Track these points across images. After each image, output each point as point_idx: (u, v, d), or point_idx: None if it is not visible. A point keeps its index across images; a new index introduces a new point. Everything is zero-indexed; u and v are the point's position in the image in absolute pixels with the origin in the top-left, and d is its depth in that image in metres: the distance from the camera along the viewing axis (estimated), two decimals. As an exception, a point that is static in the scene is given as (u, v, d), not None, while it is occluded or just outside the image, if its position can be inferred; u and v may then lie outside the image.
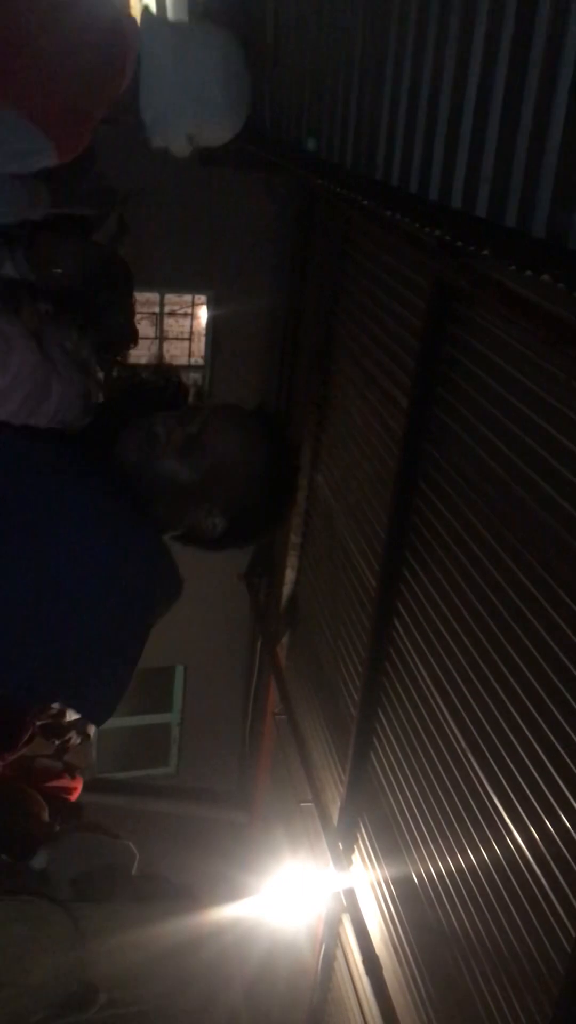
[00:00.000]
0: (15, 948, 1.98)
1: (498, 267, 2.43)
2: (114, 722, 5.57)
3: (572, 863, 2.58)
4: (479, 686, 3.20)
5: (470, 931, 3.18)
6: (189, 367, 6.68)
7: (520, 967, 2.86)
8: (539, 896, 2.75)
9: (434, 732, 3.55)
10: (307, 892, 5.11)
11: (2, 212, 2.36)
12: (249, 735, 7.39)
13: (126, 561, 1.52)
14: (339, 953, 4.73)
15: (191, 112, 2.28)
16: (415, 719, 3.75)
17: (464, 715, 3.30)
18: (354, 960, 4.37)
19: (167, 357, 7.14)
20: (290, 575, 6.03)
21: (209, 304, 6.16)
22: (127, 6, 3.69)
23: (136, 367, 2.28)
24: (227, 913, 5.48)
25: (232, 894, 5.63)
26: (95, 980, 2.05)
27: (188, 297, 6.81)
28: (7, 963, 2.01)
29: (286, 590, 6.10)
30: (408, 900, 3.79)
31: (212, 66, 2.29)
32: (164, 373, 1.83)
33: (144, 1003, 2.22)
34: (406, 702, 3.86)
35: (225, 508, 1.63)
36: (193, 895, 2.23)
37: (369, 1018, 4.14)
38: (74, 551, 1.47)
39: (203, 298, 6.34)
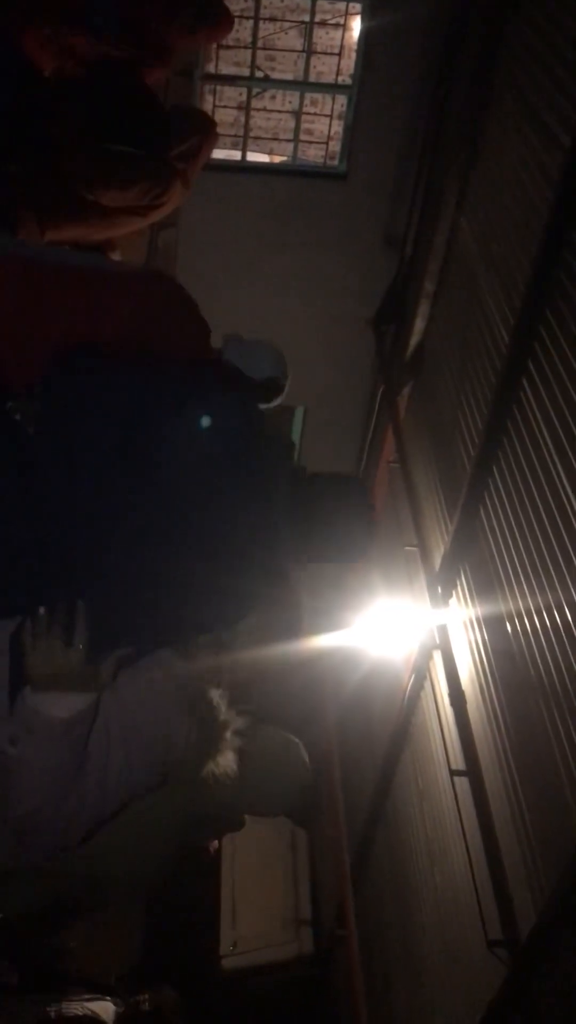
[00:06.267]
0: None
1: None
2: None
3: None
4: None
5: (556, 682, 3.32)
6: (336, 86, 6.16)
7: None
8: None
9: (549, 497, 3.53)
10: (403, 628, 5.39)
11: None
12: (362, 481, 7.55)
13: None
14: (427, 684, 5.04)
15: None
16: (531, 482, 3.73)
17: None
18: (440, 693, 4.66)
19: (313, 75, 6.59)
20: (419, 324, 5.86)
21: (364, 15, 5.56)
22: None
23: None
24: (325, 642, 5.90)
25: (330, 626, 6.02)
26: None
27: (342, 5, 6.16)
28: None
29: (414, 340, 5.96)
30: (500, 647, 3.95)
31: None
32: None
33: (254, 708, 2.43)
34: (523, 463, 3.83)
35: None
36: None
37: (449, 744, 4.48)
38: None
39: (357, 7, 5.72)
